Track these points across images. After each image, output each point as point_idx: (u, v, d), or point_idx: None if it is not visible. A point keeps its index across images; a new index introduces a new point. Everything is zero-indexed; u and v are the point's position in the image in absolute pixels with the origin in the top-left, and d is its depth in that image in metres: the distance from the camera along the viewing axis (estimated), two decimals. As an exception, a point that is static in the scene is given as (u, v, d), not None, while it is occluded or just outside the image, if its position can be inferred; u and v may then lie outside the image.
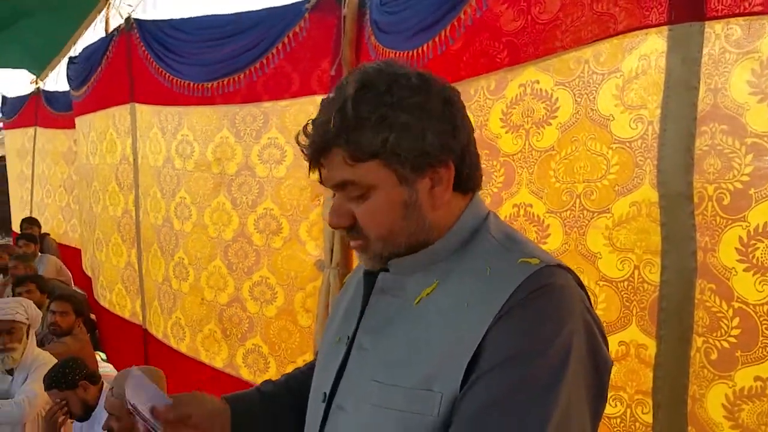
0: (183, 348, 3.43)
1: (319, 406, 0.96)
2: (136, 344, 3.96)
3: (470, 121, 0.91)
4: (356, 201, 0.88)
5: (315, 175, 0.91)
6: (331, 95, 0.87)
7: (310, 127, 0.89)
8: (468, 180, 0.90)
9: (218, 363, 3.18)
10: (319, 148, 0.87)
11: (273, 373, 2.90)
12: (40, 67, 6.35)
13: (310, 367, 1.23)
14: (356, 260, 2.61)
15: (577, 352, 0.78)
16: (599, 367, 0.82)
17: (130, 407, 1.01)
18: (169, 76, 3.28)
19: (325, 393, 0.96)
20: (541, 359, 0.77)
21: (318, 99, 2.58)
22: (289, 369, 2.79)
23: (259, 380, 2.94)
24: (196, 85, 3.11)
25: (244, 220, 2.95)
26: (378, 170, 0.85)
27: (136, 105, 3.65)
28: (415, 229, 0.88)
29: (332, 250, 2.64)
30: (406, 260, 0.91)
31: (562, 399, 0.75)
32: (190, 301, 3.32)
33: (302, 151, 0.91)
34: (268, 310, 2.90)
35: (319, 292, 2.69)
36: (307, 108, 2.67)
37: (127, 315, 4.09)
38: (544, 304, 0.80)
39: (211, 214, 3.11)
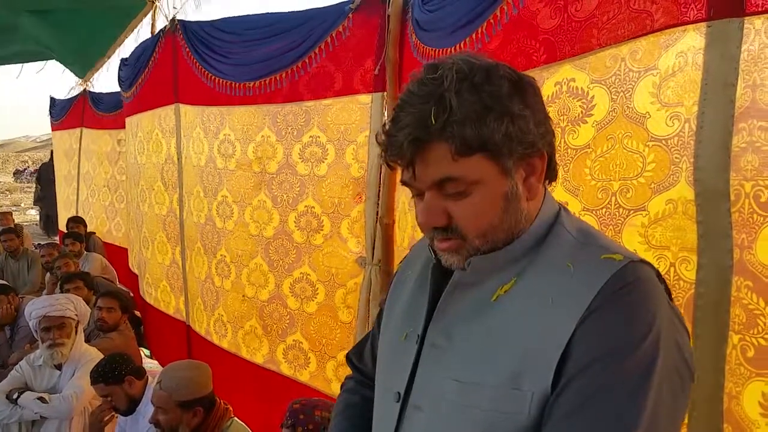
0: (225, 344, 3.51)
1: (392, 407, 0.95)
2: (180, 340, 4.07)
3: None
4: (454, 198, 0.85)
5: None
6: (416, 90, 0.82)
7: (389, 127, 0.84)
8: (553, 169, 0.90)
9: (259, 359, 3.26)
10: (417, 145, 0.81)
11: (313, 369, 2.96)
12: (84, 69, 6.56)
13: (360, 383, 1.21)
14: (397, 257, 2.66)
15: (665, 347, 0.78)
16: (686, 359, 0.82)
17: None
18: (211, 77, 3.37)
19: (399, 393, 0.94)
20: (632, 356, 0.76)
21: (361, 98, 2.69)
22: (330, 365, 2.90)
23: (299, 376, 3.02)
24: (238, 85, 3.19)
25: (285, 217, 3.02)
26: (483, 164, 0.82)
27: (181, 105, 3.76)
28: (514, 222, 0.87)
29: (374, 247, 2.68)
30: (487, 259, 0.88)
31: (652, 394, 0.75)
32: (232, 298, 3.41)
33: (385, 151, 0.85)
34: (308, 306, 2.96)
35: (360, 289, 2.74)
36: (349, 107, 2.72)
37: (171, 311, 4.21)
38: (632, 302, 0.79)
39: (252, 212, 3.19)
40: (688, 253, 1.39)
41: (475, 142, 0.80)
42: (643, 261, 0.84)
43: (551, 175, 0.91)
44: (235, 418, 2.45)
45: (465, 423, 0.85)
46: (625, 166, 1.51)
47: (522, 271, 0.87)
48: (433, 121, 0.79)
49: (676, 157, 1.41)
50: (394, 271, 1.13)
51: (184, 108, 3.72)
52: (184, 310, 4.01)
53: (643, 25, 1.47)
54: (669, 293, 0.86)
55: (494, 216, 0.85)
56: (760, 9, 1.29)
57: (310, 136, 2.86)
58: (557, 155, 1.66)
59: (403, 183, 0.88)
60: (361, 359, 1.24)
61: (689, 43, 1.39)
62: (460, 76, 0.81)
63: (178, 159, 3.85)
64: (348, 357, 1.28)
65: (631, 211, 1.50)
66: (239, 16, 3.29)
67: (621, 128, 1.53)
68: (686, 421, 1.41)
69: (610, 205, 1.54)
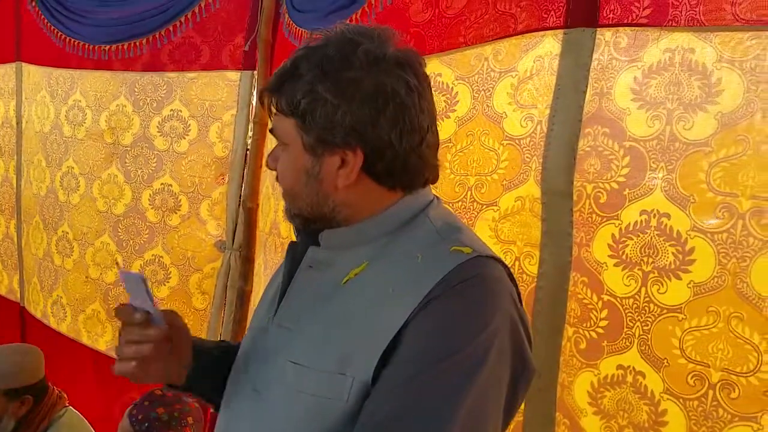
0: (63, 328, 3.22)
1: (243, 392, 0.93)
2: (13, 323, 3.67)
3: (419, 124, 0.85)
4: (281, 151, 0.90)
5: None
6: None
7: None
8: (387, 176, 0.86)
9: (101, 345, 3.02)
10: (264, 89, 0.89)
11: (160, 356, 2.79)
12: None
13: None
14: (259, 242, 2.59)
15: (496, 353, 0.76)
16: (518, 369, 0.81)
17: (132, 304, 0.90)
18: (62, 36, 3.06)
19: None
20: (455, 357, 0.75)
21: (229, 74, 2.57)
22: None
23: (144, 364, 2.83)
24: (92, 47, 2.92)
25: (138, 194, 2.81)
26: (291, 129, 0.85)
27: (23, 64, 3.38)
28: (315, 201, 0.87)
29: (234, 231, 2.58)
30: (335, 234, 0.89)
31: (469, 401, 0.73)
32: (74, 279, 3.13)
33: None
34: (159, 291, 2.79)
35: (218, 274, 2.63)
36: (216, 82, 2.59)
37: (3, 291, 3.80)
38: (470, 297, 0.78)
39: (101, 186, 2.94)
40: (532, 249, 1.45)
41: (285, 106, 0.85)
42: (493, 257, 0.84)
43: (389, 180, 0.87)
44: (70, 407, 2.26)
45: (294, 407, 0.83)
46: (482, 163, 1.55)
47: (375, 258, 0.86)
48: (273, 75, 0.88)
49: (527, 157, 1.47)
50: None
51: (28, 68, 3.35)
52: (18, 290, 3.63)
53: (507, 27, 1.52)
54: (519, 293, 0.85)
55: (295, 184, 0.89)
56: (610, 22, 1.37)
57: (171, 110, 2.69)
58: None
59: None
60: None
61: (547, 48, 1.45)
62: (321, 44, 0.84)
63: (17, 123, 3.46)
64: None
65: (484, 206, 1.55)
66: (98, -28, 3.02)
67: (480, 125, 1.57)
68: (522, 408, 1.48)
69: (466, 199, 1.58)
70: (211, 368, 1.00)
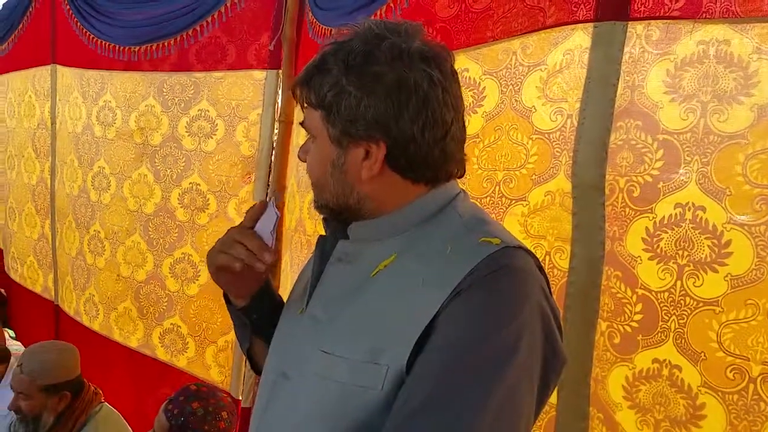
0: (96, 326, 3.29)
1: (273, 378, 0.95)
2: (48, 321, 3.77)
3: (443, 118, 0.85)
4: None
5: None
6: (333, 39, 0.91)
7: None
8: (411, 169, 0.87)
9: (133, 342, 3.08)
10: (295, 82, 0.91)
11: (192, 354, 2.84)
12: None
13: None
14: (286, 240, 2.61)
15: (527, 342, 0.77)
16: (549, 359, 0.81)
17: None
18: (93, 38, 3.12)
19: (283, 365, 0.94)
20: (487, 346, 0.75)
21: (255, 73, 2.60)
22: (210, 350, 2.79)
23: (176, 361, 2.89)
24: (121, 49, 2.98)
25: (168, 194, 2.86)
26: (319, 122, 0.88)
27: (58, 66, 3.46)
28: (341, 192, 0.89)
29: (260, 229, 2.60)
30: (362, 226, 0.91)
31: (501, 390, 0.74)
32: (105, 277, 3.19)
33: None
34: (189, 288, 2.83)
35: (245, 272, 2.65)
36: (242, 81, 2.61)
37: (38, 290, 3.89)
38: (500, 287, 0.79)
39: (132, 186, 3.00)
40: (563, 243, 1.44)
41: (313, 99, 0.87)
42: (521, 248, 0.84)
43: (414, 173, 0.88)
44: (105, 404, 2.32)
45: (325, 395, 0.85)
46: (510, 157, 1.55)
47: (403, 250, 0.87)
48: (303, 69, 0.89)
49: (557, 151, 1.46)
50: None
51: (62, 70, 3.43)
52: (52, 288, 3.72)
53: (535, 21, 1.51)
54: (548, 284, 0.86)
55: (321, 174, 0.91)
56: (642, 15, 1.36)
57: (199, 110, 2.72)
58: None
59: None
60: None
61: (576, 41, 1.44)
62: (346, 39, 0.86)
63: (51, 124, 3.55)
64: None
65: (513, 201, 1.54)
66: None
67: (508, 120, 1.56)
68: (554, 402, 1.48)
69: (494, 194, 1.58)
70: (268, 306, 1.08)
